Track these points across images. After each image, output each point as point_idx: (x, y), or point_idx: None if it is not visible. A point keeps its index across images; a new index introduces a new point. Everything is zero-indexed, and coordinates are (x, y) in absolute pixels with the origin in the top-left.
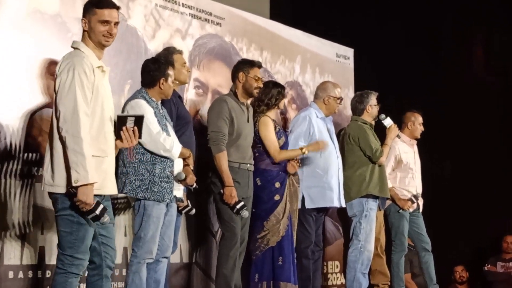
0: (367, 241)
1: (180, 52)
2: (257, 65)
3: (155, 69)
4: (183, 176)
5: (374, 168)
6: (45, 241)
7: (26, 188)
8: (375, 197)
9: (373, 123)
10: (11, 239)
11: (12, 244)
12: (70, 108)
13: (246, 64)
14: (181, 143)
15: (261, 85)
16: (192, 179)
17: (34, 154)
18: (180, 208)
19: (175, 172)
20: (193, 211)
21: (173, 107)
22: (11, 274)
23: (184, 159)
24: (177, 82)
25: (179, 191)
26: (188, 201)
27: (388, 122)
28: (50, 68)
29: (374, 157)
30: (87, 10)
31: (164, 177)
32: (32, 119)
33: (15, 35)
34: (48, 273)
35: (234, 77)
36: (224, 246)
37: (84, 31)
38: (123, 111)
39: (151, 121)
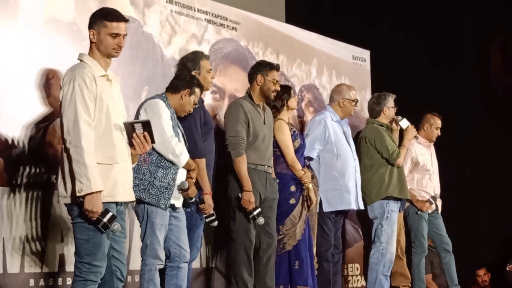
0: (389, 243)
1: (207, 58)
2: (276, 68)
3: (186, 78)
4: (187, 185)
5: (392, 170)
6: (65, 248)
7: (45, 197)
8: (396, 199)
9: (389, 125)
10: (32, 248)
11: (33, 252)
12: (71, 119)
13: (265, 67)
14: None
15: (279, 88)
16: (194, 192)
17: (52, 163)
18: (204, 216)
19: (179, 181)
20: (216, 223)
21: (201, 113)
22: (32, 282)
23: (188, 171)
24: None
25: (178, 200)
26: (214, 211)
27: (404, 123)
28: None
29: (391, 158)
30: (96, 22)
31: (164, 182)
32: (49, 128)
33: (30, 43)
34: (69, 280)
35: (252, 78)
36: (237, 252)
37: (91, 42)
38: (139, 110)
39: (166, 123)
